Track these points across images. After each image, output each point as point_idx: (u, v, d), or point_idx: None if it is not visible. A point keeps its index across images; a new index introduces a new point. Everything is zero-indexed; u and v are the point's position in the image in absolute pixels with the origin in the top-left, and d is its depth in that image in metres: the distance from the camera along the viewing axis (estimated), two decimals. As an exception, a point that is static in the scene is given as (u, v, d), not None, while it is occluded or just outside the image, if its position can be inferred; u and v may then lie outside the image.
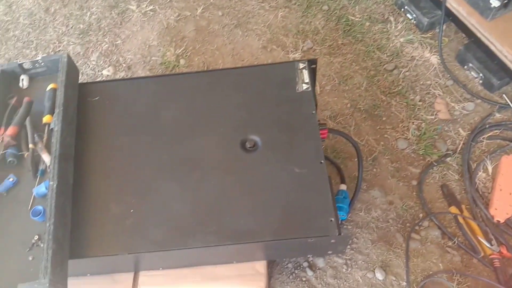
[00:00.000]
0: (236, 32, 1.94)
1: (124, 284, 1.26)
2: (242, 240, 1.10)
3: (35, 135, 1.24)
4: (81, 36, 2.01)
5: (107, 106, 1.33)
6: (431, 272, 1.37)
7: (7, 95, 1.33)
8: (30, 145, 1.23)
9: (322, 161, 1.17)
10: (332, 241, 1.12)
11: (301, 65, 1.32)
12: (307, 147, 1.19)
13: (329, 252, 1.32)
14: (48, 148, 1.21)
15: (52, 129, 1.22)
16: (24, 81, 1.35)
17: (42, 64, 1.34)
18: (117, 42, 1.97)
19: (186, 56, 1.90)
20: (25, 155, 1.22)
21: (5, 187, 1.19)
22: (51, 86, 1.31)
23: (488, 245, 1.38)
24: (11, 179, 1.20)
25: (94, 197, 1.19)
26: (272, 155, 1.20)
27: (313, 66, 1.34)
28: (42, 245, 1.08)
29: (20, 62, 1.34)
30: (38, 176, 1.19)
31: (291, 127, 1.23)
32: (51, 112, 1.25)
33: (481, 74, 1.69)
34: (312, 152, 1.18)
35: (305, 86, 1.28)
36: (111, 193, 1.19)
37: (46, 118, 1.27)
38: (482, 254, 1.39)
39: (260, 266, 1.27)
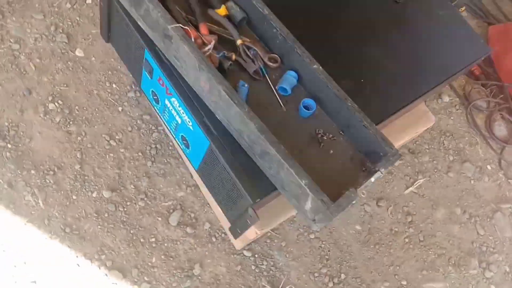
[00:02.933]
0: None
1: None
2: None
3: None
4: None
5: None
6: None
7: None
8: (239, 41, 0.95)
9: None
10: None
11: None
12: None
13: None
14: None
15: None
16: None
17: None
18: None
19: None
20: (235, 56, 0.95)
21: (244, 94, 0.92)
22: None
23: None
24: (245, 85, 0.93)
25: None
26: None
27: None
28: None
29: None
30: (266, 74, 0.97)
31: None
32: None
33: None
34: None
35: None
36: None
37: (221, 11, 0.98)
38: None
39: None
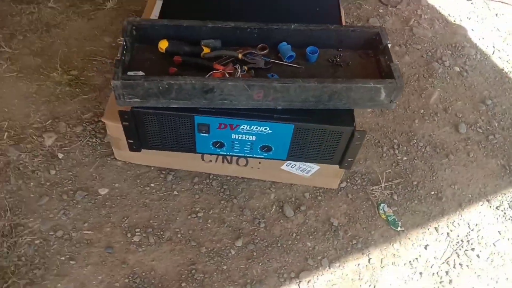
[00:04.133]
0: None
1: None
2: None
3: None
4: None
5: None
6: None
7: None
8: (239, 55, 1.15)
9: None
10: None
11: None
12: None
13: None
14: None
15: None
16: None
17: None
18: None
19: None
20: (247, 66, 1.15)
21: (281, 81, 1.14)
22: None
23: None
24: (274, 75, 1.15)
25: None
26: None
27: None
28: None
29: None
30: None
31: None
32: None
33: None
34: None
35: None
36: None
37: (206, 50, 1.16)
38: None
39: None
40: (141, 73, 1.08)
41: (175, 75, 1.09)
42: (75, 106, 1.59)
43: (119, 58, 1.06)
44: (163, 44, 1.15)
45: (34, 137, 1.49)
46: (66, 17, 1.89)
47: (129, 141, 1.20)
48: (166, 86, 1.04)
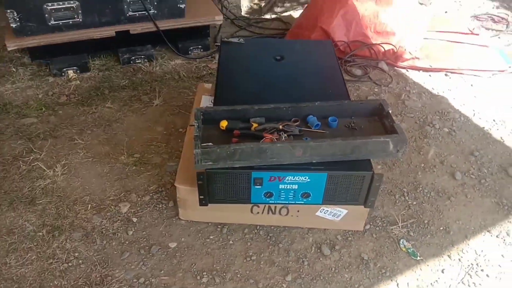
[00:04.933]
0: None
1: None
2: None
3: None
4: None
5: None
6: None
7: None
8: (280, 126, 1.55)
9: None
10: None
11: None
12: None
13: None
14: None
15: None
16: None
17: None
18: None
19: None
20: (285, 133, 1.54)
21: (313, 143, 1.52)
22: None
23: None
24: (307, 138, 1.53)
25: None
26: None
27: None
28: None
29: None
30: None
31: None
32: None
33: None
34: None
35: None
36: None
37: (255, 125, 1.56)
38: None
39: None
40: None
41: (237, 144, 1.47)
42: (142, 181, 1.96)
43: (196, 134, 1.46)
44: (224, 123, 1.56)
45: (112, 206, 1.84)
46: (123, 114, 2.35)
47: (200, 197, 1.55)
48: (233, 151, 1.42)
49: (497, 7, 3.72)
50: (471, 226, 1.83)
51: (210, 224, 1.78)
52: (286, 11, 3.49)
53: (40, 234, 1.71)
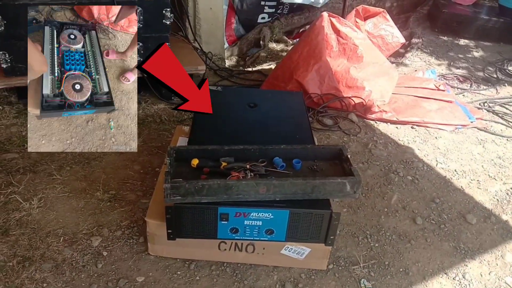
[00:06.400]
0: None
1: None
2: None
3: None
4: None
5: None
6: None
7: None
8: (247, 165, 1.66)
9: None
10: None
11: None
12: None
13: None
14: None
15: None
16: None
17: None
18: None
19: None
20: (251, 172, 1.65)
21: (277, 182, 1.63)
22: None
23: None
24: (272, 177, 1.64)
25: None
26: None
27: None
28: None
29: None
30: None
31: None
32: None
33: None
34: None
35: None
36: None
37: (224, 164, 1.67)
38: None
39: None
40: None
41: (205, 180, 1.58)
42: (115, 216, 2.02)
43: (168, 170, 1.56)
44: (195, 161, 1.67)
45: (83, 240, 1.89)
46: (102, 153, 2.44)
47: (168, 231, 1.63)
48: (201, 186, 1.52)
49: (463, 68, 4.02)
50: (430, 268, 1.92)
51: (178, 260, 1.84)
52: (269, 66, 3.72)
53: (10, 264, 1.74)
